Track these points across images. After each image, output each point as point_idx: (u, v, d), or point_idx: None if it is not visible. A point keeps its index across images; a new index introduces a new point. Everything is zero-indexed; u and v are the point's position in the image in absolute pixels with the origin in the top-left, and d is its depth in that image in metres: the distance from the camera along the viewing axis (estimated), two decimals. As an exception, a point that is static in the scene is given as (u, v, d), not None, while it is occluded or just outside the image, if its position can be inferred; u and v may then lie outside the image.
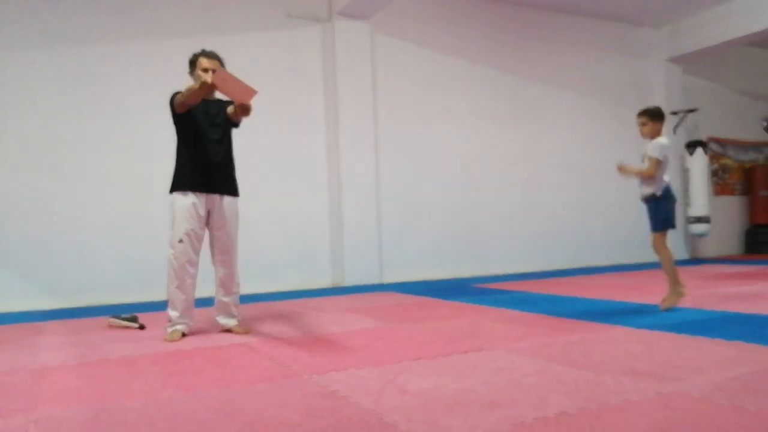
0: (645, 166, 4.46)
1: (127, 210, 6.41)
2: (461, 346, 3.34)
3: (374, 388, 2.51)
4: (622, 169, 4.58)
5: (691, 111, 9.89)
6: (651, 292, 5.51)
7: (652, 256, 9.94)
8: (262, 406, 2.33)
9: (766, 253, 10.45)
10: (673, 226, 4.47)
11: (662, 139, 4.45)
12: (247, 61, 6.43)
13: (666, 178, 4.46)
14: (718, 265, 8.51)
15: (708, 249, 10.50)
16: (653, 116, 4.54)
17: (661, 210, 4.42)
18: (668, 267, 4.41)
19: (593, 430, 1.91)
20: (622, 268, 8.65)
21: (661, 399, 2.22)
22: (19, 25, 6.09)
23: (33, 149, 6.10)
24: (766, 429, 1.87)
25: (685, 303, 4.69)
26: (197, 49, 3.96)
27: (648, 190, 4.46)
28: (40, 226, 6.09)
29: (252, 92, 3.52)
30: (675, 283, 4.42)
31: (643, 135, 4.59)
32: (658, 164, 4.38)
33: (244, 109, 3.72)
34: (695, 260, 9.75)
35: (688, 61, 10.14)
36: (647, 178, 4.44)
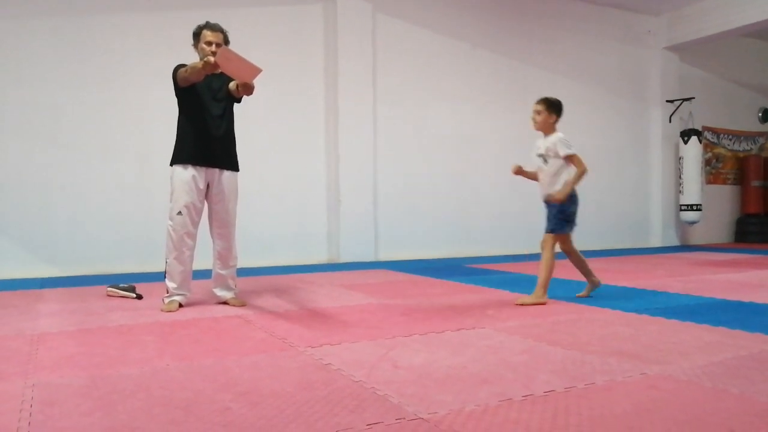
0: (549, 171, 4.16)
1: (126, 180, 6.42)
2: (453, 324, 3.40)
3: (367, 362, 2.56)
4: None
5: (687, 100, 9.92)
6: (640, 276, 5.59)
7: (642, 242, 10.04)
8: (256, 376, 2.38)
9: (756, 242, 10.56)
10: (571, 228, 4.21)
11: (560, 134, 4.15)
12: (249, 37, 6.41)
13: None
14: (707, 252, 8.60)
15: (698, 236, 10.60)
16: (550, 107, 4.17)
17: (566, 211, 4.14)
18: (546, 270, 4.11)
19: (579, 408, 1.97)
20: (612, 252, 8.72)
21: (647, 380, 2.28)
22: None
23: (33, 119, 6.08)
24: (748, 411, 1.93)
25: (675, 288, 4.77)
26: (199, 22, 3.96)
27: (555, 188, 4.14)
28: (39, 194, 6.10)
29: (256, 71, 3.53)
30: (543, 287, 4.11)
31: (536, 125, 4.23)
32: (575, 159, 4.11)
33: (247, 88, 3.76)
34: (686, 247, 9.84)
35: (685, 50, 10.15)
36: (554, 176, 4.14)
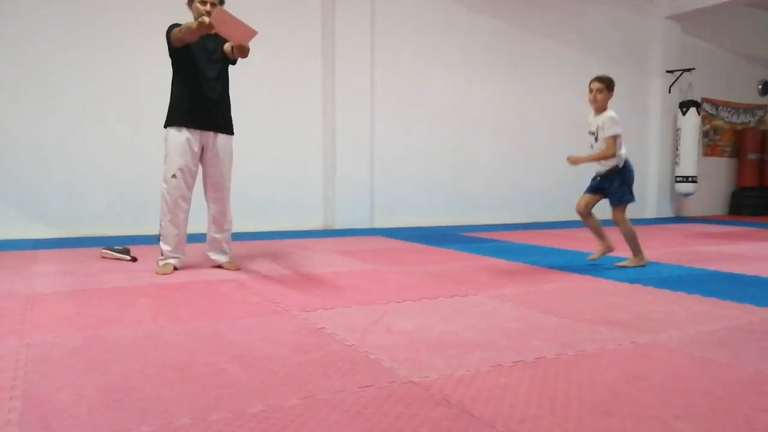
0: (599, 148, 4.27)
1: (120, 142, 6.37)
2: (447, 291, 3.42)
3: (360, 327, 2.58)
4: (574, 159, 4.34)
5: (687, 70, 9.85)
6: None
7: (639, 213, 10.03)
8: (250, 339, 2.40)
9: (750, 216, 10.59)
10: (633, 199, 4.38)
11: (612, 113, 4.23)
12: (244, 2, 6.30)
13: (623, 151, 4.29)
14: (701, 224, 8.64)
15: (693, 208, 10.63)
16: (609, 85, 4.27)
17: (625, 182, 4.30)
18: (632, 238, 4.37)
19: (569, 375, 1.99)
20: (606, 222, 8.73)
21: (637, 349, 2.30)
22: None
23: (25, 80, 5.99)
24: (735, 380, 1.96)
25: (667, 259, 4.80)
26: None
27: (610, 163, 4.28)
28: (33, 155, 6.04)
29: (251, 33, 3.48)
30: (638, 252, 4.40)
31: (596, 104, 4.29)
32: (617, 141, 4.21)
33: (242, 50, 3.70)
34: (680, 218, 9.87)
35: (687, 20, 10.02)
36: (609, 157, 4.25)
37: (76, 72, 6.18)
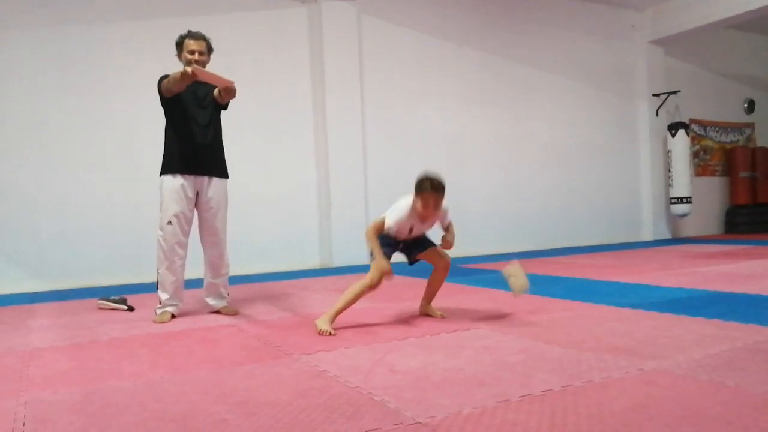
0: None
1: (114, 191, 6.37)
2: (448, 326, 3.39)
3: (363, 368, 2.55)
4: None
5: (673, 93, 9.97)
6: (633, 271, 5.60)
7: (633, 236, 10.07)
8: (251, 386, 2.36)
9: (746, 233, 10.61)
10: None
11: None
12: (233, 43, 6.38)
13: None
14: (699, 244, 8.64)
15: (689, 229, 10.65)
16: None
17: None
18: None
19: (577, 406, 1.96)
20: (604, 248, 8.75)
21: (643, 376, 2.27)
22: (1, 5, 5.99)
23: (18, 131, 6.02)
24: (745, 404, 1.93)
25: (668, 282, 4.77)
26: (182, 30, 3.94)
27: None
28: (27, 207, 6.04)
29: (229, 83, 3.60)
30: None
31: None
32: None
33: (228, 91, 3.75)
34: (677, 239, 9.88)
35: (670, 44, 10.20)
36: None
37: (68, 123, 6.21)
